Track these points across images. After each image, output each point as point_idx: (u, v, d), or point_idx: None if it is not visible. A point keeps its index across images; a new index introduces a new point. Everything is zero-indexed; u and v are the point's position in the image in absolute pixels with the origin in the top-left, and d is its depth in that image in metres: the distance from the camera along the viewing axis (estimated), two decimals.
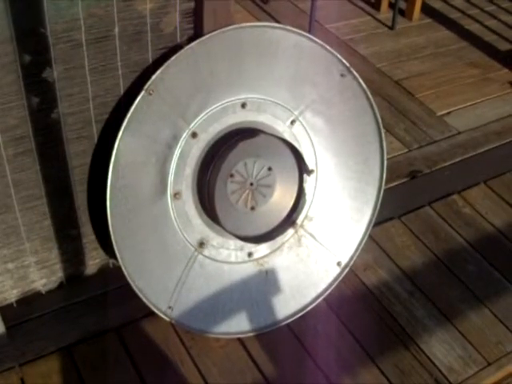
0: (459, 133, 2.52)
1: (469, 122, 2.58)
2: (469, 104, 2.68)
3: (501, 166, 2.38)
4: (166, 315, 1.59)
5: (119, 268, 1.67)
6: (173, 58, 1.42)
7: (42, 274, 1.66)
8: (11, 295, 1.65)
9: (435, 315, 1.85)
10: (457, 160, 2.38)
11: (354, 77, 1.65)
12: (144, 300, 1.55)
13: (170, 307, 1.59)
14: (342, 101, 1.69)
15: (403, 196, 2.20)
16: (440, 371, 1.72)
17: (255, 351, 1.71)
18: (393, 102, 2.64)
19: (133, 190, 1.49)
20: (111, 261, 1.77)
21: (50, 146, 1.47)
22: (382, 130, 1.73)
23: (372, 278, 1.93)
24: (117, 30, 1.40)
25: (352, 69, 1.64)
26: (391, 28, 3.15)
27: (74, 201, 1.58)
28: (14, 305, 1.67)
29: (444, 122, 2.57)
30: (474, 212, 2.18)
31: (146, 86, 1.41)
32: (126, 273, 1.50)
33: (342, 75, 1.65)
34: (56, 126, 1.45)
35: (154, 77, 1.41)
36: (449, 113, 2.62)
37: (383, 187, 1.80)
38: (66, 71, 1.39)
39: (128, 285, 1.54)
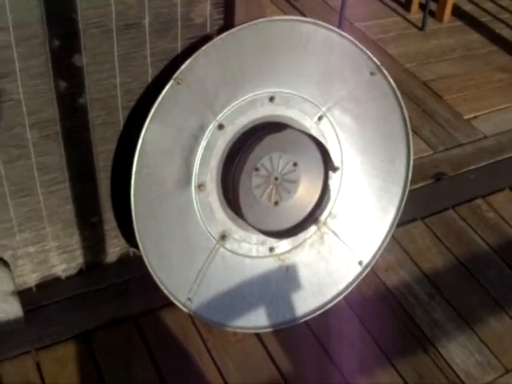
0: (486, 137, 2.49)
1: (496, 126, 2.54)
2: (496, 109, 2.65)
3: None
4: (185, 307, 1.58)
5: (139, 257, 1.66)
6: (203, 48, 1.41)
7: (62, 259, 1.66)
8: (31, 279, 1.65)
9: (455, 319, 1.82)
10: (482, 164, 2.35)
11: (384, 76, 1.64)
12: (164, 291, 1.54)
13: (189, 299, 1.58)
14: (371, 99, 1.67)
15: (427, 198, 2.18)
16: (458, 376, 1.69)
17: (272, 347, 1.69)
18: (420, 104, 2.61)
19: (157, 179, 1.48)
20: (132, 249, 1.76)
21: (76, 130, 1.47)
22: (410, 130, 1.71)
23: (393, 278, 1.91)
24: (147, 18, 1.39)
25: (382, 67, 1.62)
26: (421, 29, 3.12)
27: (98, 187, 1.57)
28: (34, 289, 1.67)
29: (471, 125, 2.54)
30: (498, 217, 2.15)
31: (174, 75, 1.40)
32: (147, 262, 1.49)
33: (371, 73, 1.63)
34: (82, 110, 1.45)
35: (183, 66, 1.40)
36: (476, 116, 2.59)
37: (408, 187, 1.78)
38: (95, 57, 1.39)
39: (148, 275, 1.53)
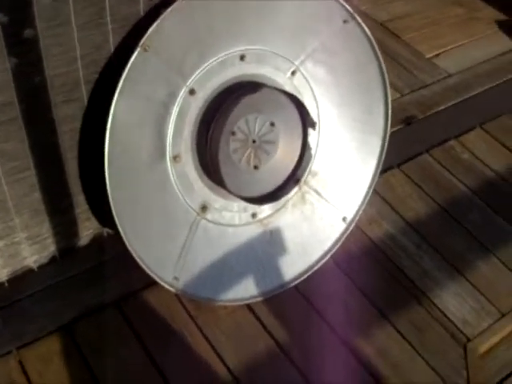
0: (450, 75, 2.44)
1: (458, 63, 2.49)
2: (457, 45, 2.59)
3: (495, 108, 2.32)
4: (172, 286, 1.49)
5: (114, 236, 1.58)
6: (169, 9, 1.29)
7: (34, 249, 1.54)
8: (2, 274, 1.53)
9: (444, 267, 1.80)
10: (450, 104, 2.31)
11: (358, 23, 1.55)
12: (148, 272, 1.45)
13: (175, 278, 1.50)
14: (345, 48, 1.58)
15: (400, 144, 2.12)
16: (455, 325, 1.68)
17: (264, 316, 1.63)
18: (380, 46, 2.51)
19: (131, 155, 1.37)
20: (105, 230, 1.66)
21: (37, 111, 1.34)
22: (387, 78, 1.64)
23: (377, 231, 1.86)
24: None
25: (356, 15, 1.53)
26: None
27: (65, 169, 1.45)
28: (6, 284, 1.56)
29: (434, 64, 2.48)
30: (473, 157, 2.12)
31: (141, 42, 1.28)
32: (128, 245, 1.40)
33: (344, 21, 1.54)
34: (42, 89, 1.32)
35: (149, 31, 1.28)
36: (437, 55, 2.53)
37: (388, 137, 1.71)
38: (51, 29, 1.25)
39: (124, 254, 1.43)
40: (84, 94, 1.38)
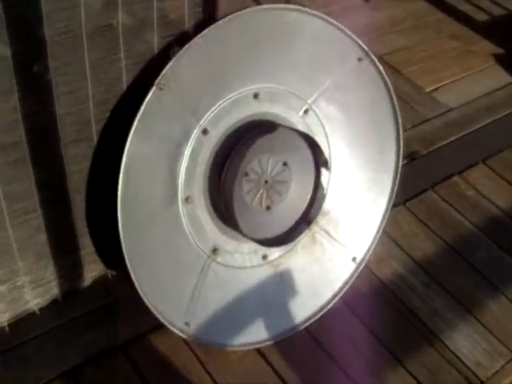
0: (450, 109, 2.43)
1: (458, 97, 2.49)
2: (455, 79, 2.59)
3: (496, 143, 2.31)
4: (183, 332, 1.44)
5: (118, 278, 1.52)
6: (186, 46, 1.25)
7: (36, 293, 1.48)
8: (3, 319, 1.47)
9: (455, 307, 1.76)
10: (452, 139, 2.29)
11: (372, 61, 1.52)
12: (160, 318, 1.39)
13: (186, 323, 1.44)
14: (358, 86, 1.55)
15: (405, 180, 2.07)
16: (468, 367, 1.63)
17: (275, 360, 1.58)
18: None
19: (144, 198, 1.32)
20: (109, 271, 1.60)
21: (45, 151, 1.30)
22: (399, 116, 1.61)
23: (386, 271, 1.82)
24: (120, 16, 1.22)
25: (370, 53, 1.50)
26: (365, 0, 3.02)
27: (72, 211, 1.40)
28: (6, 329, 1.49)
29: (433, 98, 2.47)
30: (478, 194, 2.10)
31: (156, 81, 1.24)
32: (139, 291, 1.34)
33: (359, 59, 1.51)
34: (52, 128, 1.27)
35: (165, 69, 1.24)
36: (436, 89, 2.52)
37: (399, 176, 1.68)
38: (64, 66, 1.21)
39: (130, 296, 1.38)
40: (94, 133, 1.33)
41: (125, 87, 1.31)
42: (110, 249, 1.51)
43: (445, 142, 2.26)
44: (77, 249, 1.47)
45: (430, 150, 2.22)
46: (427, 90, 2.51)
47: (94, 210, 1.44)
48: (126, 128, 1.25)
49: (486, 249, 1.92)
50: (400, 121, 1.61)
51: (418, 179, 2.11)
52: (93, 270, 1.55)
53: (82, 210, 1.42)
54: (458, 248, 1.91)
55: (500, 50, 2.80)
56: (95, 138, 1.34)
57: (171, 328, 1.42)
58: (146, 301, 1.36)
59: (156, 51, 1.31)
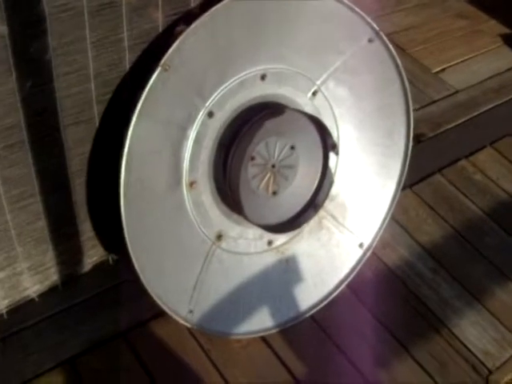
0: (457, 91, 2.38)
1: (465, 79, 2.43)
2: (462, 59, 2.53)
3: (504, 126, 2.26)
4: (186, 321, 1.40)
5: (120, 262, 1.48)
6: (192, 26, 1.20)
7: (36, 279, 1.44)
8: (1, 306, 1.43)
9: (463, 295, 1.72)
10: (460, 121, 2.24)
11: (383, 42, 1.47)
12: (163, 307, 1.35)
13: (190, 311, 1.40)
14: (368, 68, 1.50)
15: (411, 163, 2.03)
16: (476, 356, 1.60)
17: (280, 349, 1.55)
18: None
19: (147, 183, 1.27)
20: (110, 256, 1.56)
21: (45, 135, 1.24)
22: (410, 99, 1.56)
23: (393, 256, 1.78)
24: None
25: (382, 33, 1.45)
26: None
27: (72, 195, 1.35)
28: (5, 316, 1.45)
29: (440, 79, 2.42)
30: (486, 178, 2.05)
31: (161, 61, 1.18)
32: (143, 280, 1.30)
33: (369, 40, 1.46)
34: (51, 111, 1.22)
35: (170, 50, 1.19)
36: (443, 69, 2.47)
37: (408, 161, 1.63)
38: (64, 45, 1.15)
39: (131, 281, 1.34)
40: (96, 115, 1.28)
41: (128, 68, 1.26)
42: (110, 233, 1.47)
43: (452, 125, 2.22)
44: (77, 234, 1.42)
45: (437, 132, 2.17)
46: (434, 70, 2.46)
47: (95, 194, 1.39)
48: (129, 110, 1.19)
49: (494, 235, 1.88)
50: (411, 104, 1.56)
51: (424, 162, 2.06)
52: (93, 255, 1.51)
53: (82, 194, 1.37)
54: (466, 234, 1.87)
55: (508, 30, 2.74)
56: (97, 121, 1.29)
57: (175, 317, 1.38)
58: (148, 289, 1.32)
59: (160, 30, 1.25)
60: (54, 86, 1.18)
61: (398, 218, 1.87)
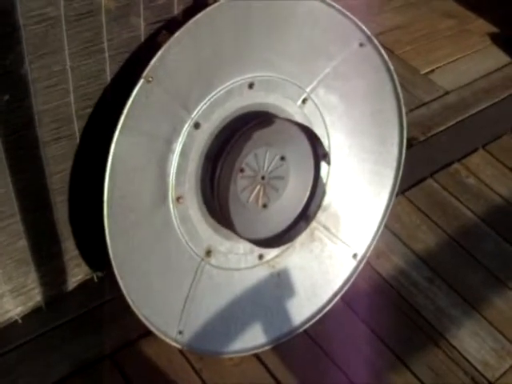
0: (447, 93, 2.33)
1: (454, 80, 2.39)
2: (451, 60, 2.49)
3: (496, 128, 2.22)
4: (176, 342, 1.34)
5: (105, 280, 1.42)
6: (176, 34, 1.14)
7: (18, 301, 1.37)
8: None
9: (459, 304, 1.68)
10: (450, 124, 2.20)
11: (375, 46, 1.42)
12: (152, 329, 1.29)
13: (180, 332, 1.34)
14: (360, 74, 1.45)
15: (403, 168, 2.00)
16: (475, 368, 1.56)
17: (273, 365, 1.49)
18: None
19: (132, 200, 1.22)
20: (95, 274, 1.49)
21: (23, 152, 1.18)
22: (403, 105, 1.51)
23: (387, 266, 1.74)
24: (102, 0, 1.10)
25: (373, 38, 1.40)
26: None
27: (53, 214, 1.29)
28: None
29: (429, 80, 2.37)
30: (479, 182, 2.01)
31: (144, 73, 1.12)
32: (130, 301, 1.24)
33: (360, 45, 1.41)
34: (29, 127, 1.15)
35: (153, 60, 1.13)
36: (432, 70, 2.43)
37: (402, 168, 1.59)
38: (41, 57, 1.09)
39: (118, 300, 1.28)
40: (76, 130, 1.22)
41: (109, 80, 1.20)
42: (95, 251, 1.41)
43: (442, 128, 2.17)
44: (60, 253, 1.36)
45: (428, 135, 2.13)
46: (422, 71, 2.41)
47: (78, 211, 1.33)
48: (111, 124, 1.14)
49: (490, 241, 1.84)
50: (404, 110, 1.52)
51: (416, 167, 2.01)
52: (77, 274, 1.45)
53: (64, 212, 1.31)
54: (461, 240, 1.83)
55: (495, 29, 2.70)
56: (77, 136, 1.23)
57: (164, 338, 1.32)
58: (135, 310, 1.26)
59: (143, 39, 1.19)
60: (31, 101, 1.12)
61: (391, 225, 1.82)
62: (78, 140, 1.23)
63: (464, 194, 1.96)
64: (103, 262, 1.27)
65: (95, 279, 1.50)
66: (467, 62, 2.49)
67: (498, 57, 2.54)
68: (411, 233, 1.83)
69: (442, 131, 2.16)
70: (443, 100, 2.29)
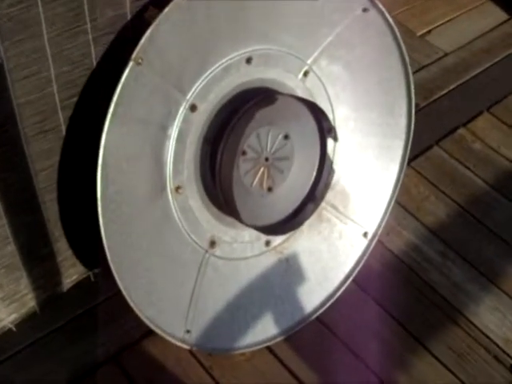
0: (446, 54, 2.23)
1: (452, 40, 2.28)
2: (447, 20, 2.38)
3: (499, 89, 2.12)
4: (184, 342, 1.25)
5: (102, 278, 1.33)
6: (165, 9, 1.03)
7: (11, 309, 1.27)
8: None
9: (476, 278, 1.60)
10: (452, 87, 2.09)
11: (379, 10, 1.31)
12: (157, 331, 1.21)
13: (187, 331, 1.25)
14: (364, 41, 1.34)
15: None
16: (497, 345, 1.49)
17: (287, 357, 1.42)
18: None
19: (127, 195, 1.11)
20: (92, 272, 1.40)
21: (5, 149, 1.07)
22: (411, 73, 1.41)
23: (398, 242, 1.65)
24: None
25: (377, 1, 1.29)
26: None
27: (43, 214, 1.18)
28: None
29: (427, 42, 2.26)
30: (486, 147, 1.92)
31: (133, 54, 1.01)
32: (132, 303, 1.15)
33: (364, 10, 1.30)
34: (9, 122, 1.04)
35: (143, 40, 1.02)
36: (429, 31, 2.31)
37: (411, 139, 1.49)
38: (18, 45, 0.98)
39: (117, 298, 1.18)
40: (62, 122, 1.11)
41: (94, 64, 1.08)
42: (90, 249, 1.31)
43: (444, 91, 2.07)
44: (52, 255, 1.26)
45: (430, 100, 2.03)
46: (419, 33, 2.30)
47: (69, 209, 1.23)
48: (100, 113, 1.03)
49: (502, 209, 1.76)
50: (411, 78, 1.41)
51: (421, 135, 1.89)
52: (72, 274, 1.35)
53: (54, 212, 1.20)
54: (473, 210, 1.74)
55: None
56: (63, 128, 1.12)
57: (171, 339, 1.23)
58: (138, 312, 1.17)
59: (129, 17, 1.08)
60: (9, 94, 1.00)
61: (399, 198, 1.70)
62: (64, 133, 1.12)
63: (471, 161, 1.87)
64: (99, 259, 1.17)
65: (92, 278, 1.40)
66: (464, 21, 2.38)
67: (494, 14, 2.43)
68: (420, 205, 1.74)
69: (444, 95, 2.06)
70: (443, 62, 2.18)
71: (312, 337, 1.45)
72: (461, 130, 1.96)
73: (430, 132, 1.93)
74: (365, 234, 1.51)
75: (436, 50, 2.22)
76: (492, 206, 1.76)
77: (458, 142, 1.92)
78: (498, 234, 1.70)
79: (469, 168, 1.85)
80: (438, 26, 2.34)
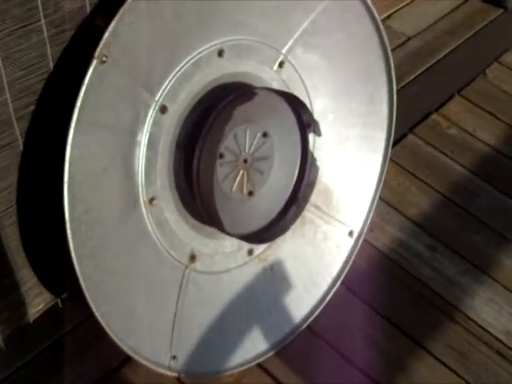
0: (409, 38, 2.15)
1: (414, 24, 2.21)
2: (406, 3, 2.30)
3: (467, 70, 2.06)
4: (171, 370, 1.13)
5: (72, 303, 1.20)
6: (128, 1, 0.90)
7: None
8: None
9: (468, 270, 1.53)
10: (420, 71, 2.02)
11: None
12: (141, 361, 1.08)
13: (173, 357, 1.13)
14: (341, 26, 1.25)
15: None
16: (498, 339, 1.41)
17: (279, 373, 1.32)
18: None
19: (98, 213, 0.99)
20: (59, 299, 1.26)
21: None
22: (391, 58, 1.32)
23: (383, 239, 1.56)
24: None
25: None
26: None
27: (2, 241, 1.04)
28: None
29: (388, 27, 2.17)
30: (462, 131, 1.85)
31: (96, 52, 0.88)
32: (111, 334, 1.02)
33: None
34: None
35: (106, 35, 0.89)
36: (389, 16, 2.23)
37: (393, 129, 1.40)
38: None
39: (90, 323, 1.06)
40: (18, 135, 0.97)
41: (52, 66, 0.95)
42: (56, 273, 1.17)
43: (412, 77, 1.99)
44: (16, 285, 1.11)
45: (399, 87, 1.93)
46: (380, 17, 2.21)
47: (32, 233, 1.09)
48: (62, 122, 0.90)
49: (485, 195, 1.69)
50: (392, 64, 1.32)
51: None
52: (39, 303, 1.20)
53: (15, 237, 1.06)
54: (456, 198, 1.67)
55: None
56: (20, 142, 0.98)
57: (158, 369, 1.10)
58: (119, 343, 1.04)
59: (89, 11, 0.94)
60: None
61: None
62: (21, 147, 0.98)
63: (449, 147, 1.79)
64: (66, 283, 1.05)
65: (59, 304, 1.26)
66: (424, 2, 2.30)
67: None
68: (402, 197, 1.65)
69: (412, 80, 1.98)
70: (407, 47, 2.11)
71: (304, 348, 1.35)
72: (434, 116, 1.88)
73: (404, 120, 1.83)
74: (350, 233, 1.42)
75: (398, 35, 2.15)
76: (475, 192, 1.70)
77: (433, 128, 1.84)
78: (485, 221, 1.63)
79: (447, 155, 1.77)
80: (397, 10, 2.26)
